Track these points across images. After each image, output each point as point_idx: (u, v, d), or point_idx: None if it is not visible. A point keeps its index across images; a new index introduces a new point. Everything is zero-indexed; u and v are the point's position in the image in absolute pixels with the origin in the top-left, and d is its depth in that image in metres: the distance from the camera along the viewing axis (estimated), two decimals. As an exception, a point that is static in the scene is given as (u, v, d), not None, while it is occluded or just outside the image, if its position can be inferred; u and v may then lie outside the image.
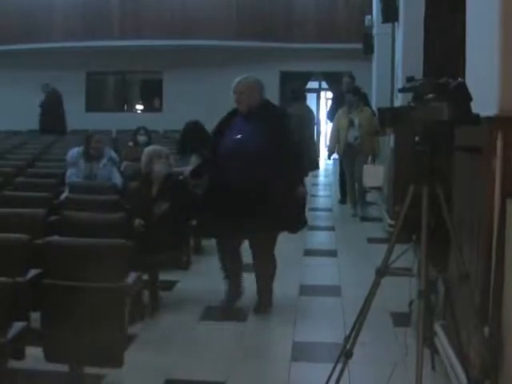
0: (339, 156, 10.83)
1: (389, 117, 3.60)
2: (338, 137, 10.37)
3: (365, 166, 10.10)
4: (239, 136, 5.45)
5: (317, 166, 10.63)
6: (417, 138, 3.44)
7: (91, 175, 7.84)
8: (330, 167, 19.93)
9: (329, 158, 11.36)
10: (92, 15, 18.33)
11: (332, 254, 7.93)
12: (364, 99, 11.20)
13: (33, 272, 4.10)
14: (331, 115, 11.58)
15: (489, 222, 3.48)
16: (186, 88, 18.55)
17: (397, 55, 9.26)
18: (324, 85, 20.53)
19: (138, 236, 5.40)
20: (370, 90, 13.54)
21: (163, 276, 5.89)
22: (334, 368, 3.70)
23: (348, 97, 10.33)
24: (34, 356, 3.95)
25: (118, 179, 7.77)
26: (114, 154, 8.28)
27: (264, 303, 5.71)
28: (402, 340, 4.12)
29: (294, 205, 5.56)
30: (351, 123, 10.12)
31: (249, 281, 6.16)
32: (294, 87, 11.07)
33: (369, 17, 15.13)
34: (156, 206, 5.96)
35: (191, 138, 8.22)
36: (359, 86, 11.26)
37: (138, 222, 5.72)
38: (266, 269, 5.75)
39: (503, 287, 3.35)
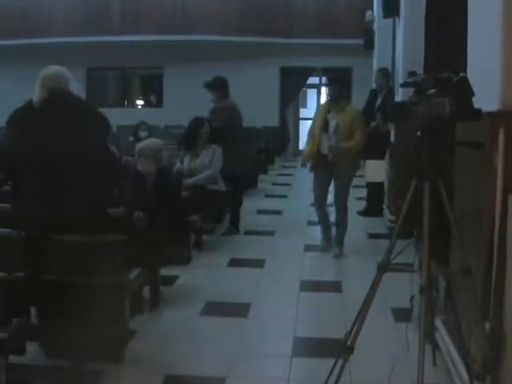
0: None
1: (390, 112, 3.60)
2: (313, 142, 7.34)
3: (366, 162, 9.80)
4: None
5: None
6: (418, 133, 3.43)
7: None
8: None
9: (311, 170, 7.63)
10: (92, 10, 18.33)
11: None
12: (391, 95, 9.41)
13: (33, 268, 4.09)
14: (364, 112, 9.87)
15: (490, 217, 3.47)
16: (186, 83, 18.54)
17: (397, 50, 9.24)
18: (324, 80, 20.53)
19: (138, 230, 5.39)
20: (371, 85, 13.51)
21: (164, 271, 5.88)
22: (335, 363, 3.69)
23: (329, 90, 7.67)
24: (34, 351, 3.95)
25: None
26: (114, 149, 8.25)
27: None
28: (403, 335, 4.12)
29: None
30: (325, 126, 7.18)
31: (251, 277, 6.17)
32: (218, 82, 9.19)
33: (369, 12, 15.10)
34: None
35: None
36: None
37: (136, 214, 5.67)
38: None
39: (505, 282, 3.35)
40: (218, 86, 8.69)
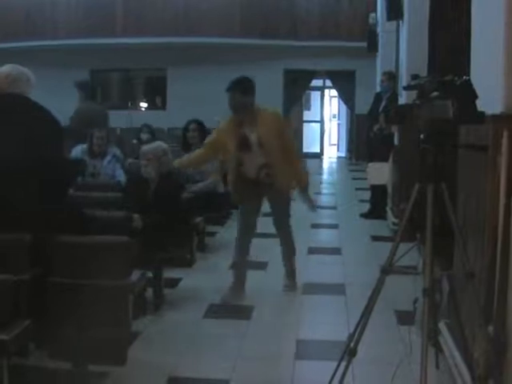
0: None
1: (394, 115, 3.60)
2: (221, 166, 6.18)
3: (369, 164, 9.79)
4: None
5: None
6: (422, 136, 3.43)
7: (95, 173, 7.84)
8: (334, 165, 19.96)
9: (236, 199, 6.13)
10: (95, 13, 18.36)
11: (336, 251, 7.92)
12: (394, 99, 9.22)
13: (36, 270, 4.10)
14: (369, 116, 10.29)
15: (494, 220, 3.47)
16: (189, 86, 18.57)
17: (401, 53, 9.23)
18: (328, 83, 20.55)
19: (138, 233, 5.39)
20: (375, 87, 13.52)
21: (167, 273, 5.89)
22: (338, 366, 3.69)
23: (229, 98, 5.75)
24: (37, 353, 3.96)
25: (122, 177, 7.77)
26: (118, 152, 8.28)
27: None
28: (406, 338, 4.11)
29: None
30: (245, 143, 5.74)
31: (254, 279, 6.17)
32: (83, 81, 9.61)
33: (373, 14, 15.09)
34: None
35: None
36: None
37: (136, 217, 5.66)
38: None
39: (508, 285, 3.34)
40: (83, 87, 9.22)
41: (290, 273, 6.30)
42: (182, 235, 6.17)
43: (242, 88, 5.72)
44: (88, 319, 3.81)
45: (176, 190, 6.24)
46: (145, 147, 6.46)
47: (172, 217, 5.78)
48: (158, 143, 6.53)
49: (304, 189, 6.05)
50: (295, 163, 5.92)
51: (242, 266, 6.12)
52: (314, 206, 6.27)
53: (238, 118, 5.78)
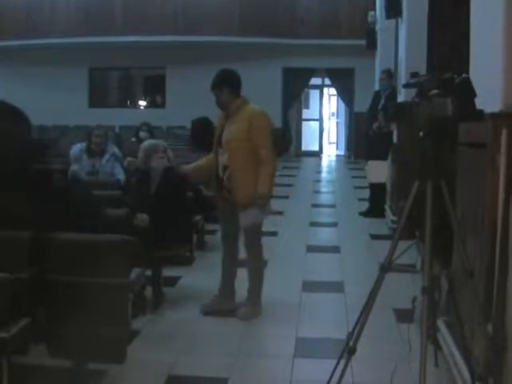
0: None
1: (393, 112, 3.60)
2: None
3: (368, 162, 9.80)
4: None
5: None
6: (421, 134, 3.43)
7: (94, 171, 7.83)
8: (334, 163, 19.97)
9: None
10: (95, 11, 18.38)
11: (335, 250, 7.92)
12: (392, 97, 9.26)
13: (35, 268, 4.09)
14: (369, 114, 10.17)
15: (493, 218, 3.47)
16: (188, 84, 18.57)
17: (400, 51, 9.24)
18: (327, 81, 20.55)
19: (141, 232, 5.38)
20: (374, 85, 13.52)
21: (166, 272, 5.89)
22: (337, 364, 3.69)
23: (214, 96, 5.42)
24: (37, 351, 3.95)
25: (120, 175, 7.77)
26: (117, 150, 8.27)
27: None
28: (405, 336, 4.11)
29: None
30: (220, 139, 5.40)
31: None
32: None
33: (372, 13, 15.11)
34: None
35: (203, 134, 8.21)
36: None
37: (145, 217, 5.66)
38: None
39: (507, 284, 3.34)
40: None
41: (252, 300, 5.48)
42: (186, 232, 6.18)
43: (219, 86, 5.34)
44: (87, 317, 3.81)
45: (178, 185, 6.24)
46: (151, 141, 6.49)
47: (176, 213, 5.78)
48: (155, 140, 6.61)
49: (259, 203, 5.22)
50: (261, 171, 5.20)
51: (225, 266, 5.61)
52: (245, 223, 5.32)
53: (227, 112, 5.41)
